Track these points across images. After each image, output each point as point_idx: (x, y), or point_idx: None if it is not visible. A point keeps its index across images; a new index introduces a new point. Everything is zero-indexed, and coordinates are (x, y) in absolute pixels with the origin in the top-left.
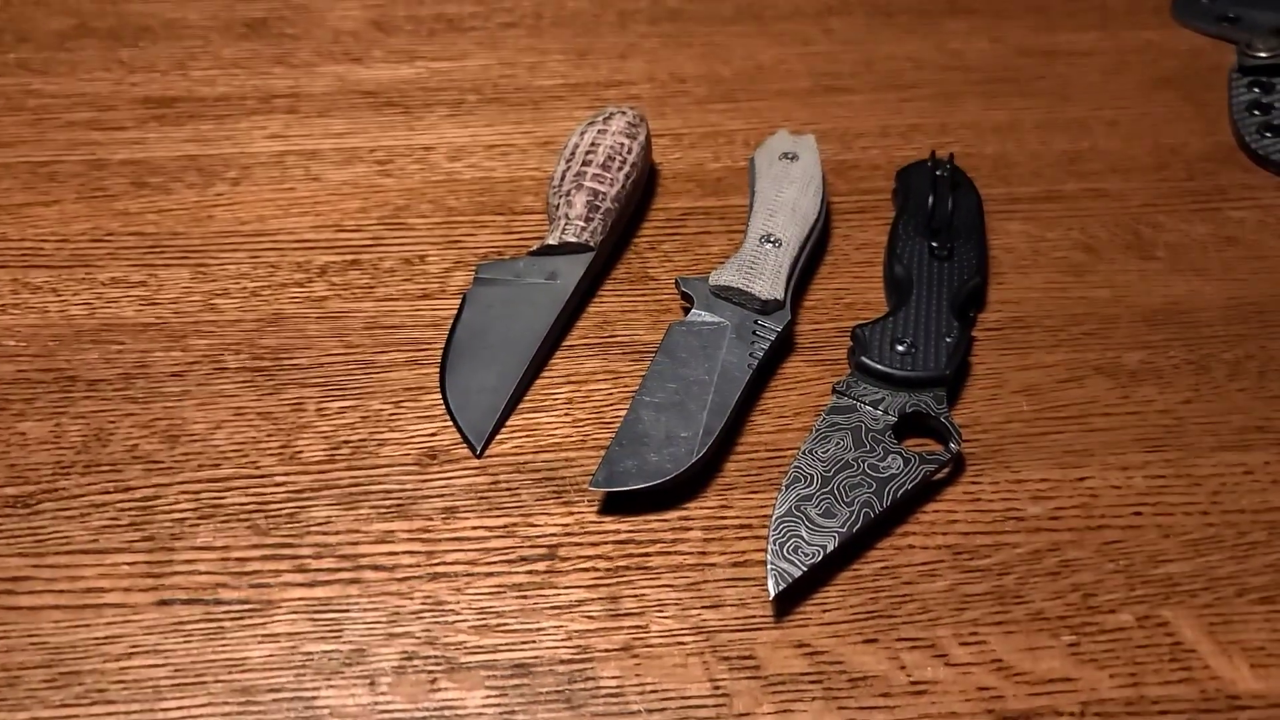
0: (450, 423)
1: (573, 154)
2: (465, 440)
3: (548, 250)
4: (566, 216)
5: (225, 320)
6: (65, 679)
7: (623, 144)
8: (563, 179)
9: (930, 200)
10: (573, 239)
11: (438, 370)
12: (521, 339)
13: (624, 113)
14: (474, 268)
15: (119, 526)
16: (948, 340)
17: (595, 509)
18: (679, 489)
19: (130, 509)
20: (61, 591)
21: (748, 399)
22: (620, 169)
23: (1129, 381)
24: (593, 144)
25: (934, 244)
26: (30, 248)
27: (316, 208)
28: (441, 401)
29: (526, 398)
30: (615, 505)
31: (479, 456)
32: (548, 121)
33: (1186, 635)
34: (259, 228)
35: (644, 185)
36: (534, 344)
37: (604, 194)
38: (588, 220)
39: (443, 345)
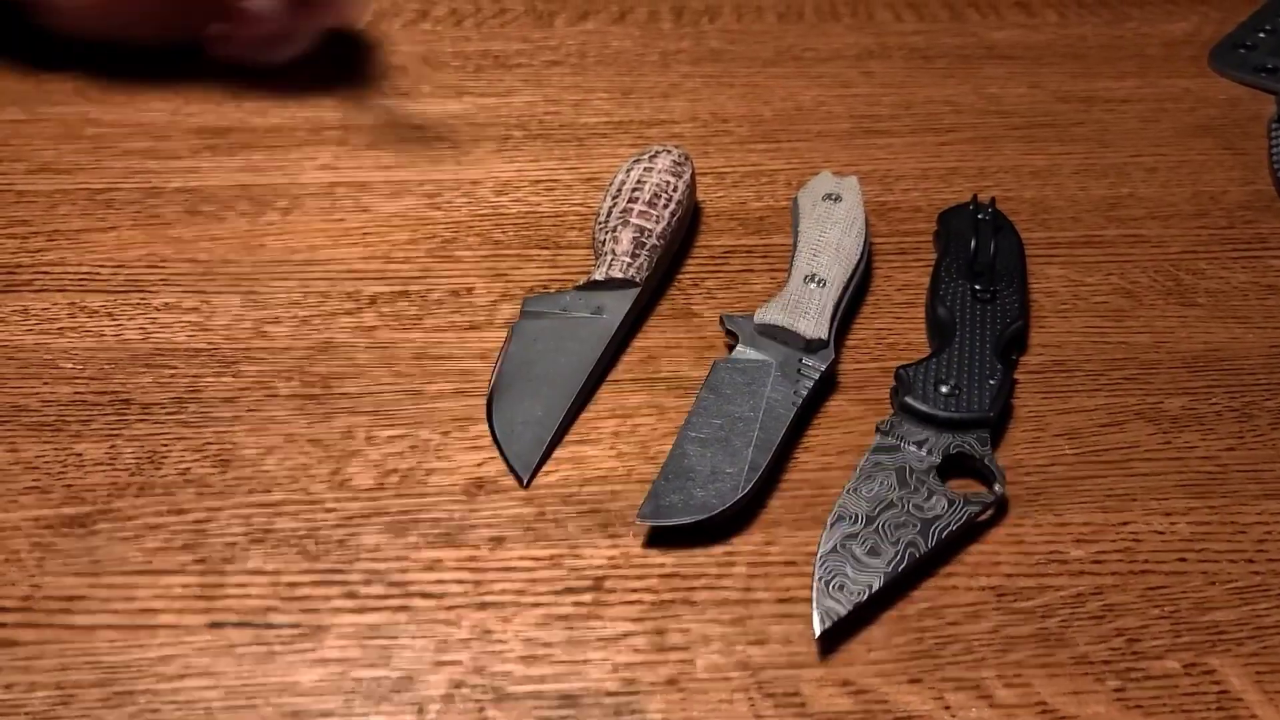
0: (497, 453)
1: (619, 191)
2: (512, 471)
3: (594, 285)
4: (613, 252)
5: (276, 347)
6: (119, 698)
7: (669, 182)
8: (609, 215)
9: (973, 243)
10: (619, 275)
11: (485, 401)
12: (567, 372)
13: (669, 151)
14: (521, 300)
15: (172, 548)
16: (991, 383)
17: (640, 542)
18: (724, 524)
19: (183, 531)
20: (116, 611)
21: (792, 436)
22: (666, 206)
23: (1171, 427)
24: (639, 181)
25: (977, 287)
26: (88, 272)
27: (366, 238)
28: (489, 432)
29: (573, 430)
30: (660, 539)
31: (526, 487)
32: (592, 158)
33: (1234, 684)
34: (309, 257)
35: (688, 223)
36: (580, 377)
37: (650, 230)
38: (634, 256)
39: (489, 376)
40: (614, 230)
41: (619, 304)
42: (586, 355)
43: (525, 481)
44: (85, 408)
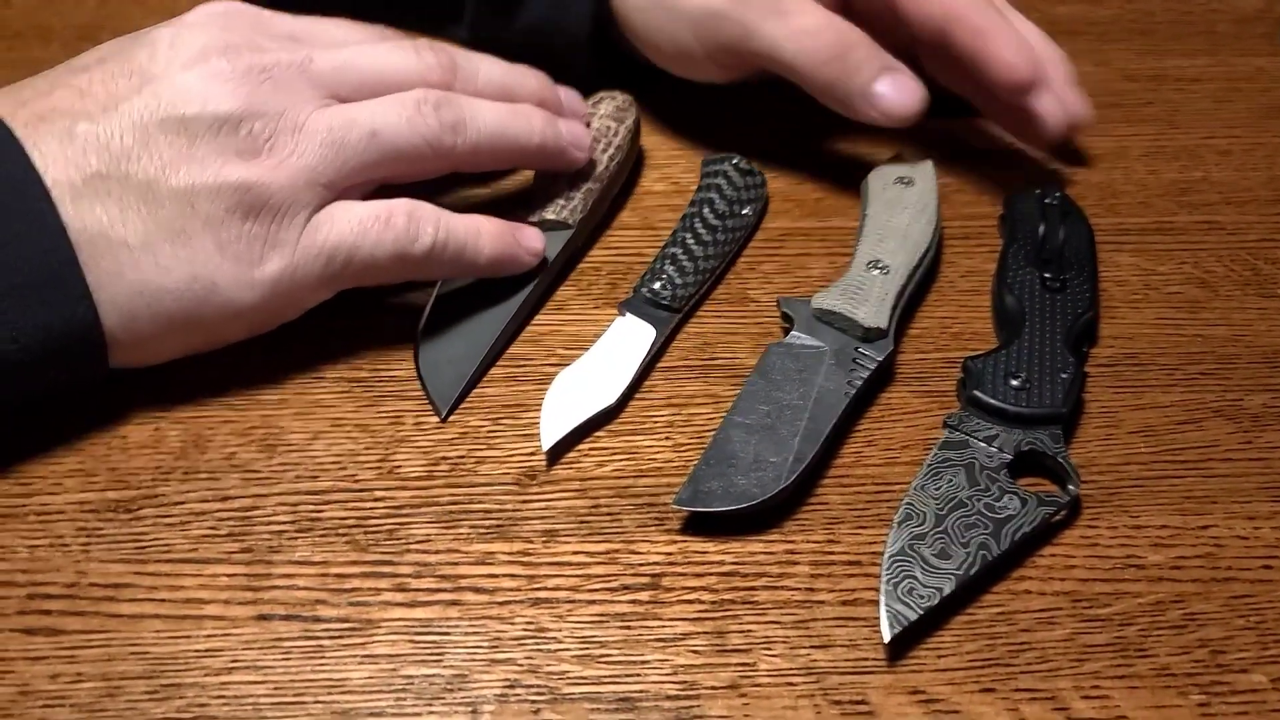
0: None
1: None
2: (431, 404)
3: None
4: (548, 195)
5: (322, 328)
6: (166, 691)
7: (610, 126)
8: None
9: (1041, 229)
10: (552, 217)
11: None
12: (493, 312)
13: (614, 97)
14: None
15: (218, 536)
16: (1063, 376)
17: (699, 538)
18: (784, 521)
19: (229, 519)
20: (162, 600)
21: (842, 428)
22: (605, 150)
23: (1252, 426)
24: None
25: (1046, 275)
26: None
27: None
28: (414, 370)
29: (626, 420)
30: (709, 529)
31: (444, 421)
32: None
33: None
34: None
35: (630, 168)
36: (504, 317)
37: (586, 173)
38: (568, 199)
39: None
40: (550, 173)
41: (551, 245)
42: (513, 295)
43: (443, 415)
44: (129, 389)
